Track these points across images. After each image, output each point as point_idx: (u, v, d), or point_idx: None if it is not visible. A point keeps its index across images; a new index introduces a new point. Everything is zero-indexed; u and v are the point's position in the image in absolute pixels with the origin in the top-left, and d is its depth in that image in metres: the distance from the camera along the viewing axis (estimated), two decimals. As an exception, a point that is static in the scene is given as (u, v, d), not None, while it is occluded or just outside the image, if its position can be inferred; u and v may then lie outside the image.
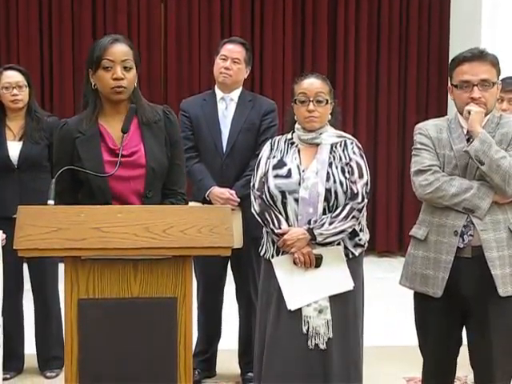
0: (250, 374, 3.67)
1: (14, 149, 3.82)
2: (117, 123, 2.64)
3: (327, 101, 3.04)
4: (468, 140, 2.74)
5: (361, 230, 3.05)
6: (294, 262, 2.97)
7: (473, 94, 2.69)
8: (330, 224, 2.92)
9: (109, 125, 2.65)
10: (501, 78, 2.85)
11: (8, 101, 3.84)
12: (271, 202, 3.01)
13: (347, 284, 2.97)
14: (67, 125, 2.70)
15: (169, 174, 2.72)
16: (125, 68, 2.60)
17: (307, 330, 2.93)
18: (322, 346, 2.92)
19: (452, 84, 2.78)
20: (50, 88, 6.85)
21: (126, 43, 2.66)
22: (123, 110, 2.65)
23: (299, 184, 2.96)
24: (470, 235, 2.72)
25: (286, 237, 2.94)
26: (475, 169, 2.72)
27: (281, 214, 3.00)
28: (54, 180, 2.41)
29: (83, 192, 2.67)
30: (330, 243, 2.95)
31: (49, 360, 3.99)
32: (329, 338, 2.92)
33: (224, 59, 3.77)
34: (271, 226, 2.99)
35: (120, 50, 2.61)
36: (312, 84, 3.05)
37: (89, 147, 2.62)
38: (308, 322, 2.93)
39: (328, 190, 2.95)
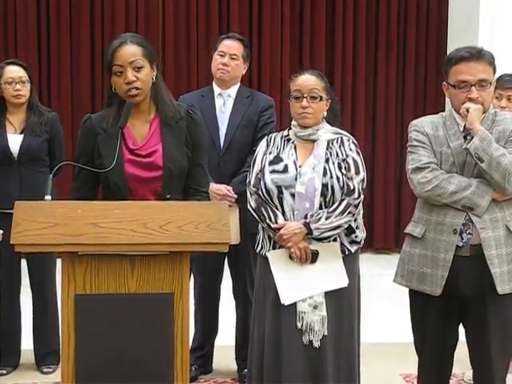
0: (246, 370, 3.66)
1: (15, 141, 3.82)
2: (139, 122, 2.66)
3: (321, 97, 3.03)
4: (465, 137, 2.73)
5: (357, 227, 3.05)
6: (290, 257, 2.97)
7: (471, 94, 2.67)
8: (327, 219, 2.92)
9: (131, 124, 2.64)
10: (498, 75, 2.84)
11: (10, 96, 3.84)
12: (267, 197, 3.01)
13: (342, 281, 2.97)
14: (90, 120, 2.70)
15: (192, 174, 2.71)
16: (135, 69, 2.57)
17: (302, 326, 2.92)
18: (316, 344, 2.91)
19: (448, 83, 2.75)
20: (47, 84, 6.82)
21: (135, 42, 2.61)
22: (145, 108, 2.66)
23: (296, 179, 2.96)
24: (470, 233, 2.71)
25: (282, 231, 2.94)
26: (473, 166, 2.71)
27: (277, 209, 3.00)
28: (51, 176, 2.41)
29: (103, 190, 2.68)
30: (326, 238, 2.95)
31: (46, 355, 3.98)
32: (323, 336, 2.92)
33: (222, 55, 3.76)
34: (267, 220, 2.99)
35: (127, 52, 2.57)
36: (306, 80, 3.04)
37: (110, 145, 2.59)
38: (303, 318, 2.93)
39: (325, 185, 2.94)
